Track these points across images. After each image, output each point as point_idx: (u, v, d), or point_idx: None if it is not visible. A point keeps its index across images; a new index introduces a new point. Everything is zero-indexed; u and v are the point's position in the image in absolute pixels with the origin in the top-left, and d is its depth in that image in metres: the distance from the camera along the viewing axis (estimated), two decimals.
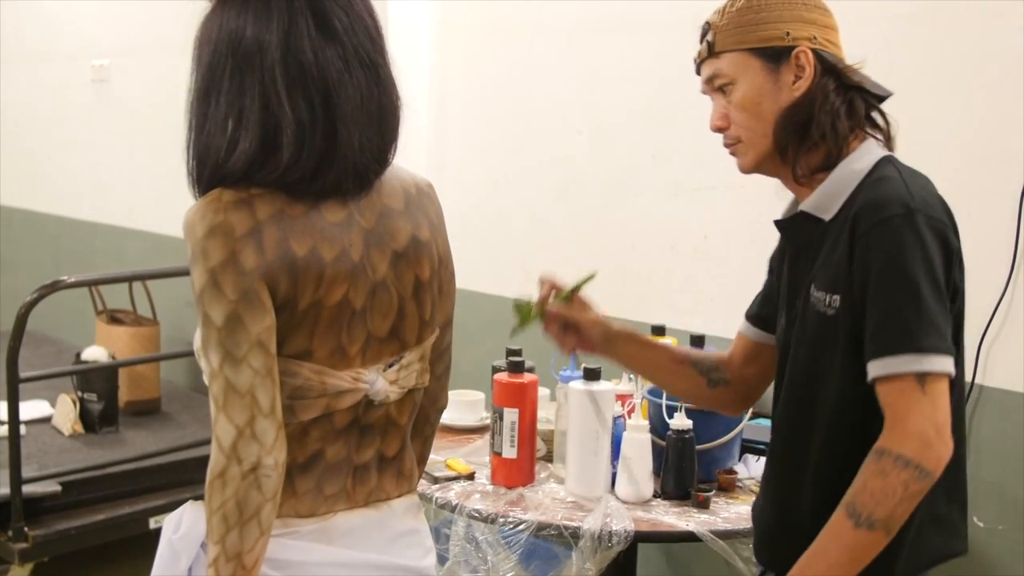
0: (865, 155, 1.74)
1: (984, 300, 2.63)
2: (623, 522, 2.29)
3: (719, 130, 1.78)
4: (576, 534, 2.27)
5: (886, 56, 2.77)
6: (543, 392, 2.74)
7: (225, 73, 1.51)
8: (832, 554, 1.58)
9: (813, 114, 1.70)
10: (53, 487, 3.35)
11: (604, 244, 3.32)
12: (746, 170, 1.80)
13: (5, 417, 3.36)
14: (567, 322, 1.97)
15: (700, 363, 2.02)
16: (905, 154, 2.76)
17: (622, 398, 2.57)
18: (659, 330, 2.87)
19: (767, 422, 2.66)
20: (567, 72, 3.49)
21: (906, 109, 2.75)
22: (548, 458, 2.67)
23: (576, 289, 1.97)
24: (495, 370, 2.72)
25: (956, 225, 1.70)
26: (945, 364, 1.58)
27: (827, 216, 1.72)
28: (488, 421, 2.68)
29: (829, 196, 1.71)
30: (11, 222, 6.17)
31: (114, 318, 4.38)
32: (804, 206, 1.75)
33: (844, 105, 1.73)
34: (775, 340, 1.90)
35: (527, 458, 2.53)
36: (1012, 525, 2.65)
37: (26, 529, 3.23)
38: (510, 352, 2.63)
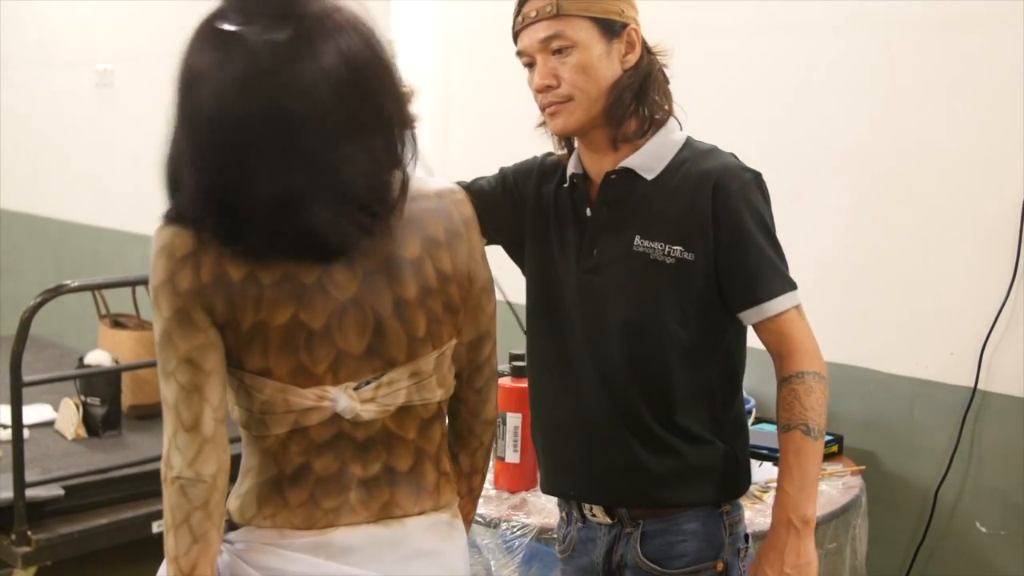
0: (675, 128, 1.94)
1: (986, 306, 2.63)
2: None
3: (547, 88, 1.88)
4: None
5: (889, 61, 2.78)
6: None
7: (179, 115, 1.50)
8: (811, 469, 1.83)
9: (645, 86, 1.89)
10: (56, 491, 3.34)
11: None
12: (566, 130, 1.92)
13: (8, 421, 3.35)
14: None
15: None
16: (908, 159, 2.77)
17: None
18: None
19: (772, 427, 2.66)
20: None
21: (909, 114, 2.76)
22: None
23: None
24: (498, 375, 2.72)
25: None
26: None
27: (650, 175, 1.90)
28: None
29: (654, 158, 1.90)
30: (14, 226, 6.18)
31: (117, 322, 4.37)
32: (629, 164, 1.91)
33: (664, 84, 1.93)
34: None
35: (530, 463, 2.53)
36: (1015, 530, 2.65)
37: (29, 533, 3.23)
38: (513, 357, 2.63)
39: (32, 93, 6.00)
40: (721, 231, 1.84)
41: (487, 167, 2.13)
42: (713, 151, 1.92)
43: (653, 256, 1.86)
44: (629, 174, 1.91)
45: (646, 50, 1.91)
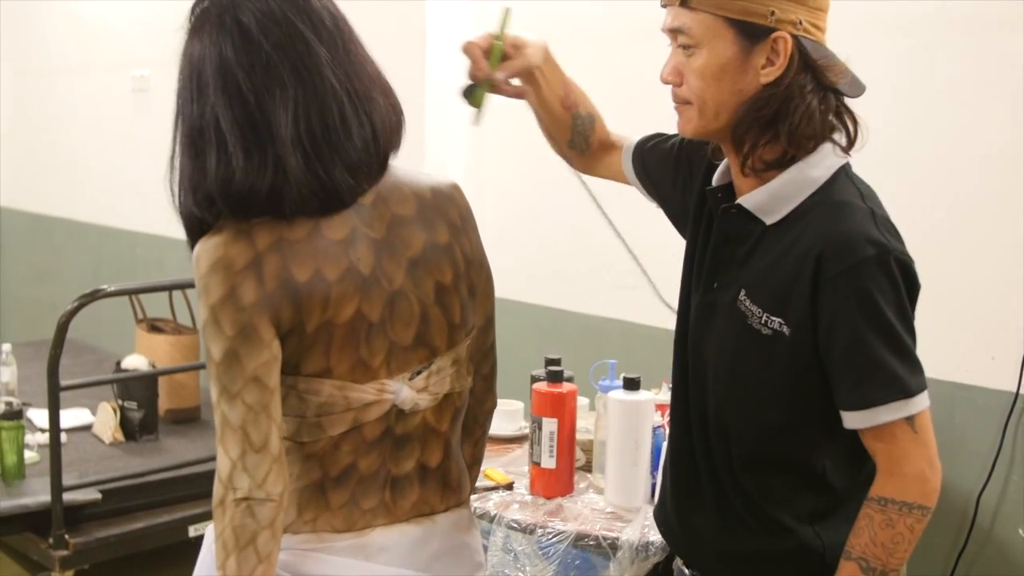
0: (823, 161, 1.59)
1: None
2: None
3: (668, 83, 1.62)
4: (614, 544, 2.26)
5: (928, 62, 2.75)
6: (582, 402, 2.73)
7: (188, 98, 1.60)
8: None
9: (784, 111, 1.55)
10: (93, 495, 3.36)
11: (642, 251, 3.30)
12: (685, 135, 1.66)
13: (46, 425, 3.38)
14: (517, 73, 1.84)
15: (579, 122, 1.95)
16: (940, 160, 2.74)
17: (661, 408, 2.55)
18: None
19: None
20: (601, 80, 3.46)
21: (946, 116, 2.73)
22: (587, 468, 2.66)
23: (501, 34, 1.84)
24: (534, 379, 2.71)
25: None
26: (927, 398, 1.56)
27: (769, 220, 1.59)
28: (527, 431, 2.67)
29: (777, 199, 1.59)
30: (52, 231, 6.23)
31: (154, 327, 4.40)
32: (745, 202, 1.61)
33: (819, 108, 1.57)
34: (647, 191, 1.95)
35: (566, 468, 2.51)
36: None
37: (66, 536, 3.25)
38: (549, 362, 2.62)
39: (69, 99, 6.05)
40: (820, 317, 1.52)
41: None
42: (845, 205, 1.55)
43: (750, 321, 1.58)
44: (747, 213, 1.61)
45: (802, 63, 1.54)
